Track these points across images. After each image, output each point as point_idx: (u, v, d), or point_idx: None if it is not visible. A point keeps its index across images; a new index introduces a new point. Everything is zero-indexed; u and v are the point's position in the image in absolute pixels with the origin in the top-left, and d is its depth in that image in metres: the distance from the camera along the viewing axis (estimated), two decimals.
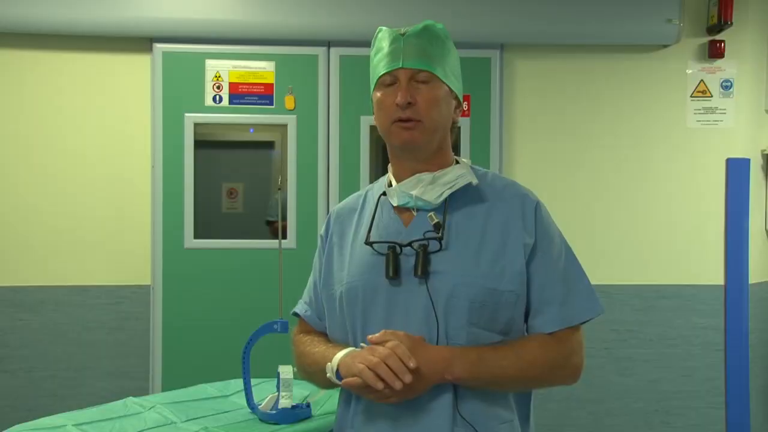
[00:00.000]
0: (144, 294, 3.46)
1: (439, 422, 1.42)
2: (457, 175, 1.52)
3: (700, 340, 3.60)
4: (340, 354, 1.44)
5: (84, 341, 3.46)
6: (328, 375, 1.45)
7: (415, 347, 1.38)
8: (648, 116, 3.60)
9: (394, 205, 1.54)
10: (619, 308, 3.59)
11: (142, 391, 3.38)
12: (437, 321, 1.42)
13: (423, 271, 1.43)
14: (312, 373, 1.57)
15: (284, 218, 3.46)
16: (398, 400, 1.39)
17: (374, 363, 1.34)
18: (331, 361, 1.44)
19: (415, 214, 1.52)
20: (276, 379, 2.07)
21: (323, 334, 1.62)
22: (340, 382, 1.43)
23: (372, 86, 1.55)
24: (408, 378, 1.33)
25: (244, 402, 2.13)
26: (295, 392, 2.10)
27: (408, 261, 1.46)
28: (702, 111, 3.60)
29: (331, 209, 1.78)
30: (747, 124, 3.62)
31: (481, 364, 1.40)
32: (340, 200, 1.89)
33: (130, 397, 2.15)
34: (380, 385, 1.33)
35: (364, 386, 1.36)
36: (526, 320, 1.51)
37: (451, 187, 1.50)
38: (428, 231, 1.47)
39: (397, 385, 1.33)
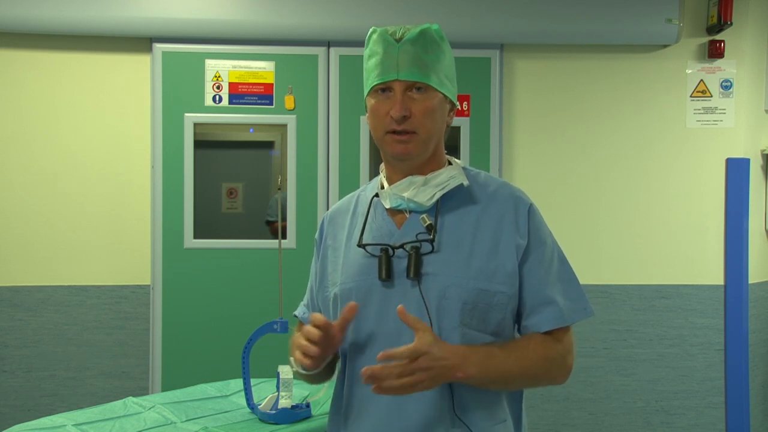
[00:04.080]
0: (144, 294, 3.47)
1: (434, 423, 1.42)
2: (449, 176, 1.52)
3: (699, 340, 3.60)
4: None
5: (84, 341, 3.47)
6: (294, 369, 1.51)
7: (435, 339, 1.36)
8: (648, 116, 3.60)
9: (387, 207, 1.54)
10: (619, 308, 3.59)
11: (142, 391, 3.39)
12: (430, 322, 1.42)
13: (415, 272, 1.43)
14: (295, 373, 1.61)
15: (284, 218, 3.46)
16: (408, 390, 1.34)
17: (303, 345, 1.41)
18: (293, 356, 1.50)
19: (407, 215, 1.52)
20: (276, 379, 2.07)
21: None
22: (303, 371, 1.50)
23: (366, 90, 1.53)
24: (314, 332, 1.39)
25: (243, 402, 2.13)
26: (295, 392, 2.10)
27: (401, 263, 1.46)
28: (702, 111, 3.60)
29: (328, 210, 1.78)
30: (747, 124, 3.62)
31: (490, 363, 1.40)
32: (340, 200, 1.90)
33: (130, 397, 2.15)
34: (307, 361, 1.41)
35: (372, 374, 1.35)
36: (516, 321, 1.51)
37: (442, 189, 1.50)
38: (421, 233, 1.47)
39: (311, 349, 1.39)
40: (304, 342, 1.41)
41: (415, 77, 1.46)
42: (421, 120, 1.46)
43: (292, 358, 1.50)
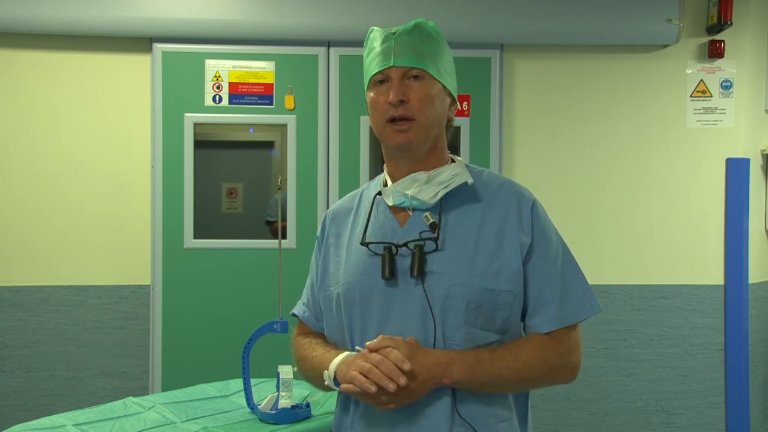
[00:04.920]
0: (144, 294, 3.46)
1: (438, 422, 1.41)
2: (452, 174, 1.51)
3: (699, 340, 3.60)
4: (336, 360, 1.45)
5: (84, 341, 3.46)
6: (326, 382, 1.46)
7: (412, 352, 1.37)
8: (648, 116, 3.60)
9: (390, 205, 1.54)
10: (619, 308, 3.59)
11: (142, 391, 3.39)
12: (434, 321, 1.42)
13: (419, 271, 1.42)
14: (311, 377, 1.58)
15: (284, 218, 3.46)
16: (397, 406, 1.39)
17: (367, 369, 1.35)
18: (328, 368, 1.45)
19: (410, 213, 1.52)
20: (276, 379, 2.07)
21: (321, 336, 1.63)
22: (337, 388, 1.45)
23: (365, 86, 1.54)
24: (402, 380, 1.33)
25: (244, 402, 2.13)
26: (295, 392, 2.10)
27: (404, 261, 1.46)
28: (702, 111, 3.60)
29: (329, 208, 1.78)
30: (747, 124, 3.62)
31: (478, 368, 1.40)
32: (341, 198, 1.90)
33: (130, 397, 2.15)
34: (373, 388, 1.33)
35: (361, 392, 1.36)
36: (522, 319, 1.50)
37: (446, 187, 1.49)
38: (424, 231, 1.46)
39: (390, 386, 1.33)
40: (385, 371, 1.34)
41: (411, 63, 1.47)
42: (419, 106, 1.47)
43: (327, 372, 1.45)
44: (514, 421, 1.49)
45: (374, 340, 1.40)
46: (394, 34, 1.50)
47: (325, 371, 1.46)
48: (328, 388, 1.50)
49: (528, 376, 1.44)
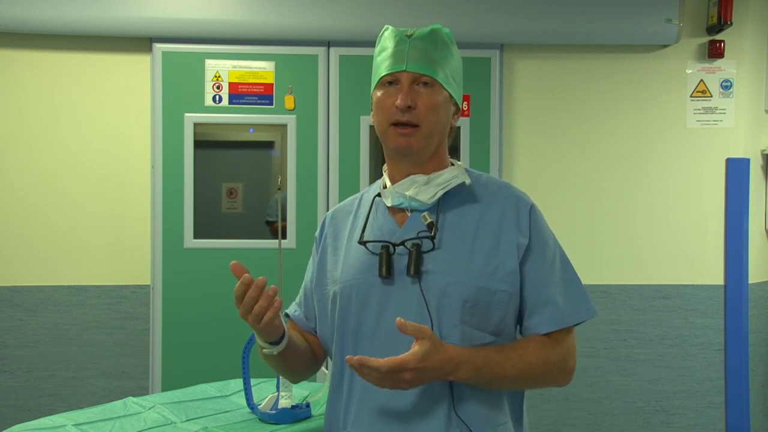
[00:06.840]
0: (144, 294, 3.47)
1: (434, 423, 1.42)
2: (451, 176, 1.53)
3: (699, 340, 3.60)
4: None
5: (84, 341, 3.47)
6: (266, 351, 1.51)
7: (435, 346, 1.35)
8: (648, 116, 3.60)
9: (389, 205, 1.55)
10: (619, 308, 3.59)
11: (142, 391, 3.39)
12: (431, 320, 1.42)
13: (416, 270, 1.43)
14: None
15: (284, 218, 3.46)
16: (387, 387, 1.38)
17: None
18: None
19: (409, 214, 1.52)
20: (276, 379, 2.07)
21: (309, 334, 1.65)
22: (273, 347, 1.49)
23: (373, 84, 1.55)
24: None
25: (243, 402, 2.13)
26: (295, 392, 2.10)
27: (401, 260, 1.46)
28: (702, 111, 3.60)
29: (330, 209, 1.79)
30: (747, 124, 3.62)
31: (485, 369, 1.40)
32: (339, 200, 1.90)
33: (130, 397, 2.15)
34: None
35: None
36: (518, 322, 1.51)
37: (444, 188, 1.51)
38: (422, 231, 1.47)
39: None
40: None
41: (423, 70, 1.48)
42: (424, 113, 1.48)
43: (259, 342, 1.49)
44: (509, 425, 1.49)
45: (409, 324, 1.35)
46: (409, 36, 1.50)
47: (259, 342, 1.51)
48: (286, 367, 1.58)
49: (529, 376, 1.45)
